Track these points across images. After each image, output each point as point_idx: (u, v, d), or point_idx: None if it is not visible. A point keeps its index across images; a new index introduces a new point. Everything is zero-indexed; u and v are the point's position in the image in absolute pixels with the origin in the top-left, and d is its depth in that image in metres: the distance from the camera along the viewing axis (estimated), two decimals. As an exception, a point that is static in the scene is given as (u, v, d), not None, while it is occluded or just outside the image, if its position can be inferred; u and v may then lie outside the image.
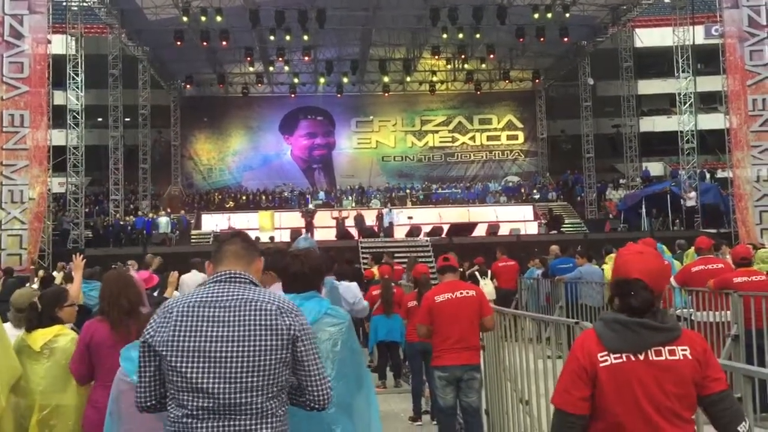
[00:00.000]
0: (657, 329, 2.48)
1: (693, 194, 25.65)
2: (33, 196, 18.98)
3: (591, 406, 2.48)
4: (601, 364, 2.46)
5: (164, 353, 2.54)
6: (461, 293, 6.06)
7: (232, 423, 2.50)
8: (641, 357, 2.45)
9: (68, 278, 10.04)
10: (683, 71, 26.28)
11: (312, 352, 2.65)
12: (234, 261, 2.73)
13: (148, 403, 2.67)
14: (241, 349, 2.51)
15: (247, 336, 2.53)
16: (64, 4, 24.64)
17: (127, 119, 29.87)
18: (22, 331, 4.78)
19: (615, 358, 2.45)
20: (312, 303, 3.41)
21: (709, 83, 29.18)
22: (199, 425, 2.50)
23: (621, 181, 33.58)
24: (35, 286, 9.68)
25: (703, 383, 2.48)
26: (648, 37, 32.92)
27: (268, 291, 2.75)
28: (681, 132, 26.66)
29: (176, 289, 7.40)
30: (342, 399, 3.25)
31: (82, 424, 4.37)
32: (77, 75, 24.13)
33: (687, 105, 26.50)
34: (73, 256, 6.55)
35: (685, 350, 2.47)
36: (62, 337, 4.56)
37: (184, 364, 2.51)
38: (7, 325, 4.74)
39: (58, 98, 24.54)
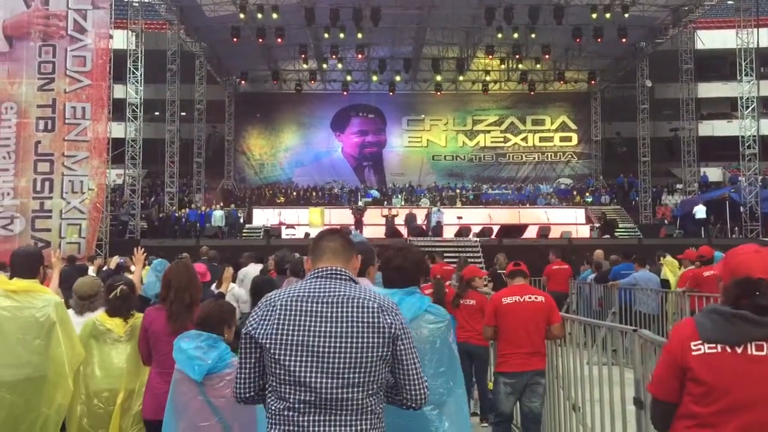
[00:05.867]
0: (756, 323, 2.38)
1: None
2: (92, 186, 19.49)
3: (681, 395, 2.45)
4: (694, 353, 2.41)
5: (267, 345, 2.57)
6: (530, 297, 5.89)
7: (332, 418, 2.51)
8: (738, 350, 2.37)
9: (122, 267, 10.32)
10: (746, 75, 25.55)
11: (411, 351, 2.65)
12: (333, 257, 2.75)
13: (247, 395, 2.69)
14: (344, 345, 2.53)
15: (351, 333, 2.54)
16: (126, 0, 25.28)
17: (183, 113, 30.48)
18: (86, 317, 4.93)
19: (709, 348, 2.40)
20: (413, 299, 3.34)
21: (774, 87, 28.30)
22: (299, 418, 2.52)
23: (678, 186, 32.79)
24: (92, 272, 9.96)
25: None
26: (710, 39, 32.07)
27: (368, 288, 2.75)
28: (742, 137, 25.92)
29: (232, 283, 7.47)
30: (439, 398, 3.20)
31: (141, 408, 4.52)
32: (137, 69, 24.73)
33: (749, 109, 25.74)
34: (135, 249, 6.74)
35: None
36: (138, 320, 4.77)
37: (287, 357, 2.53)
38: (69, 312, 4.89)
39: (118, 92, 25.16)
